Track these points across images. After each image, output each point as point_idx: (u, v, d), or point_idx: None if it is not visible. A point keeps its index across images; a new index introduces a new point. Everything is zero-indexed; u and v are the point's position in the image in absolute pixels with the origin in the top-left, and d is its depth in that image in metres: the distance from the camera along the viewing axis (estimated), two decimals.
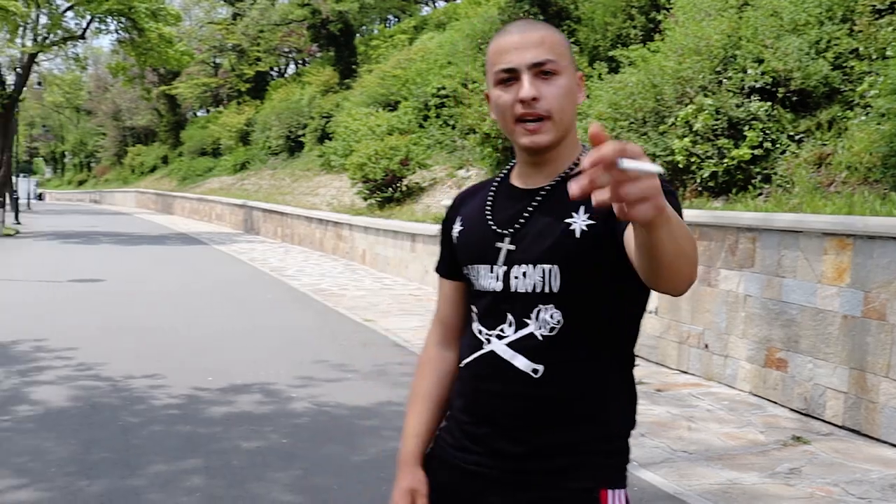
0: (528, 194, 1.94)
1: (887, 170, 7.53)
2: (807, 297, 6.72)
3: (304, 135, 30.57)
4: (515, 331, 1.89)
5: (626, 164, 1.22)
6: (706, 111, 9.37)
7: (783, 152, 9.12)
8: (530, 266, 1.88)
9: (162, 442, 6.06)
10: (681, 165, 9.54)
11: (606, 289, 1.86)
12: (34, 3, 30.74)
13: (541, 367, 1.86)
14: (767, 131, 9.23)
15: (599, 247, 1.82)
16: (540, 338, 1.86)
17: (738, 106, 9.34)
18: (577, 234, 1.84)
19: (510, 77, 1.85)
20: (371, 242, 18.16)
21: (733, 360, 7.62)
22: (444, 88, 20.42)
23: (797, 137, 9.20)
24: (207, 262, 19.42)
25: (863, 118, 8.45)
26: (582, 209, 1.85)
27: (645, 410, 6.82)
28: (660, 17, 13.28)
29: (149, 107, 57.34)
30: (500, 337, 1.91)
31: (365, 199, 19.69)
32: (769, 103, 9.40)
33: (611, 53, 13.70)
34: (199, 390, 7.49)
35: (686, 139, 9.49)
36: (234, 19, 41.81)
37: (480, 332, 1.95)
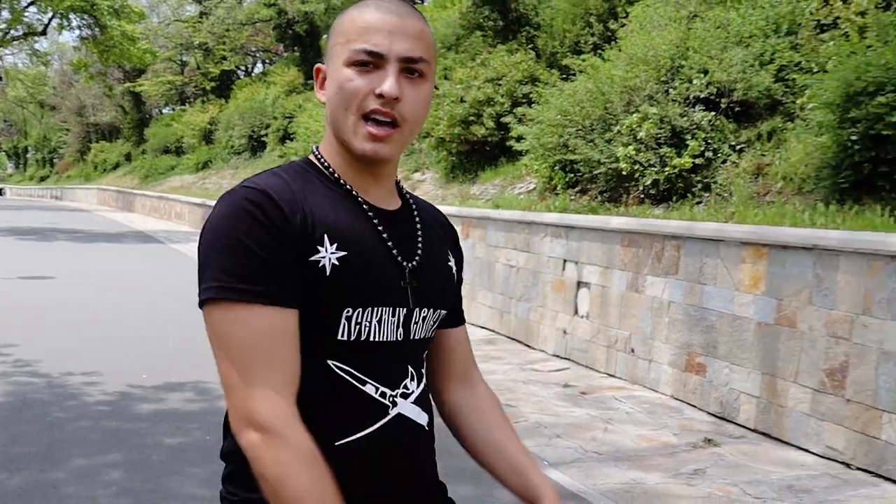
0: (398, 220, 1.66)
1: (820, 181, 7.73)
2: (725, 303, 6.93)
3: (266, 135, 30.62)
4: (418, 384, 1.64)
5: None
6: (650, 120, 9.57)
7: (724, 162, 9.33)
8: (430, 310, 1.64)
9: (86, 437, 6.18)
10: (624, 173, 9.74)
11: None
12: None
13: (428, 417, 1.67)
14: (709, 141, 9.44)
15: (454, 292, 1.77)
16: (425, 387, 1.68)
17: (681, 115, 9.54)
18: (454, 279, 1.75)
19: (371, 62, 1.52)
20: None
21: (657, 365, 7.82)
22: None
23: (738, 147, 9.40)
24: (162, 260, 19.45)
25: (801, 130, 8.67)
26: (450, 252, 1.75)
27: (565, 413, 7.01)
28: (615, 27, 13.49)
29: (113, 104, 57.16)
30: (405, 395, 1.60)
31: None
32: (712, 113, 9.61)
33: (564, 62, 13.87)
34: (132, 387, 7.61)
35: (630, 147, 9.69)
36: (201, 17, 41.86)
37: (384, 394, 1.57)
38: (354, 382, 1.54)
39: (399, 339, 1.58)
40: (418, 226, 1.69)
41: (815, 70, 9.16)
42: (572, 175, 11.19)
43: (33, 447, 5.88)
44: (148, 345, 9.57)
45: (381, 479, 1.57)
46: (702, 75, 9.84)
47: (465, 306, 1.84)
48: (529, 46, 16.59)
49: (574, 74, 12.86)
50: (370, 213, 1.60)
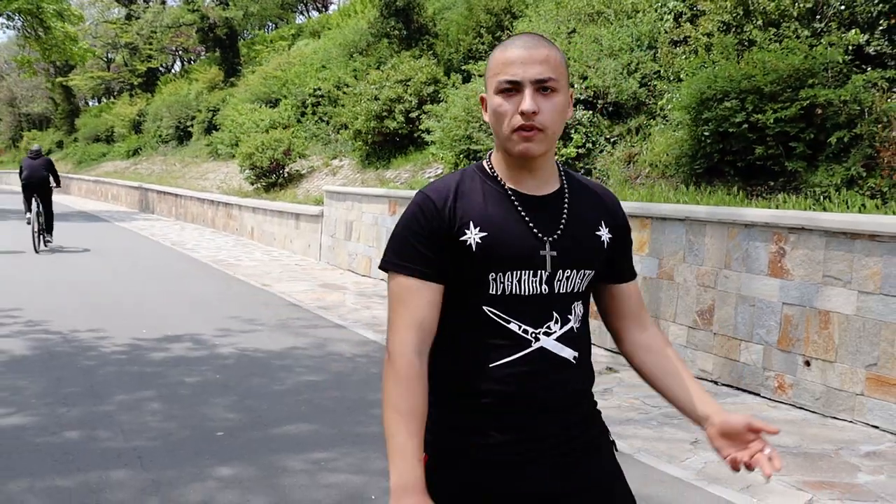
0: (546, 203, 1.88)
1: (679, 167, 8.52)
2: None
3: (192, 125, 30.26)
4: (561, 326, 1.85)
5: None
6: None
7: (601, 151, 10.09)
8: (574, 271, 1.86)
9: (119, 378, 6.50)
10: None
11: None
12: None
13: (577, 353, 1.87)
14: (589, 134, 10.18)
15: (609, 256, 1.95)
16: (575, 330, 1.87)
17: None
18: (605, 245, 1.92)
19: (512, 88, 1.77)
20: (259, 221, 18.47)
21: None
22: (319, 89, 20.70)
23: (612, 140, 10.16)
24: (112, 237, 19.19)
25: (662, 126, 9.47)
26: (603, 223, 1.93)
27: None
28: (504, 38, 14.09)
29: (44, 95, 55.23)
30: (547, 333, 1.83)
31: (252, 183, 19.90)
32: (591, 112, 10.35)
33: (464, 67, 14.41)
34: (138, 340, 7.86)
35: None
36: (127, 19, 40.83)
37: (526, 331, 1.82)
38: (501, 322, 1.82)
39: (544, 292, 1.83)
40: (565, 206, 1.89)
41: (672, 78, 9.97)
42: (475, 162, 11.74)
43: (78, 387, 6.17)
44: (133, 307, 9.65)
45: (527, 394, 1.83)
46: (581, 80, 10.53)
47: None
48: (430, 53, 17.00)
49: (471, 77, 13.45)
50: (515, 202, 1.85)
